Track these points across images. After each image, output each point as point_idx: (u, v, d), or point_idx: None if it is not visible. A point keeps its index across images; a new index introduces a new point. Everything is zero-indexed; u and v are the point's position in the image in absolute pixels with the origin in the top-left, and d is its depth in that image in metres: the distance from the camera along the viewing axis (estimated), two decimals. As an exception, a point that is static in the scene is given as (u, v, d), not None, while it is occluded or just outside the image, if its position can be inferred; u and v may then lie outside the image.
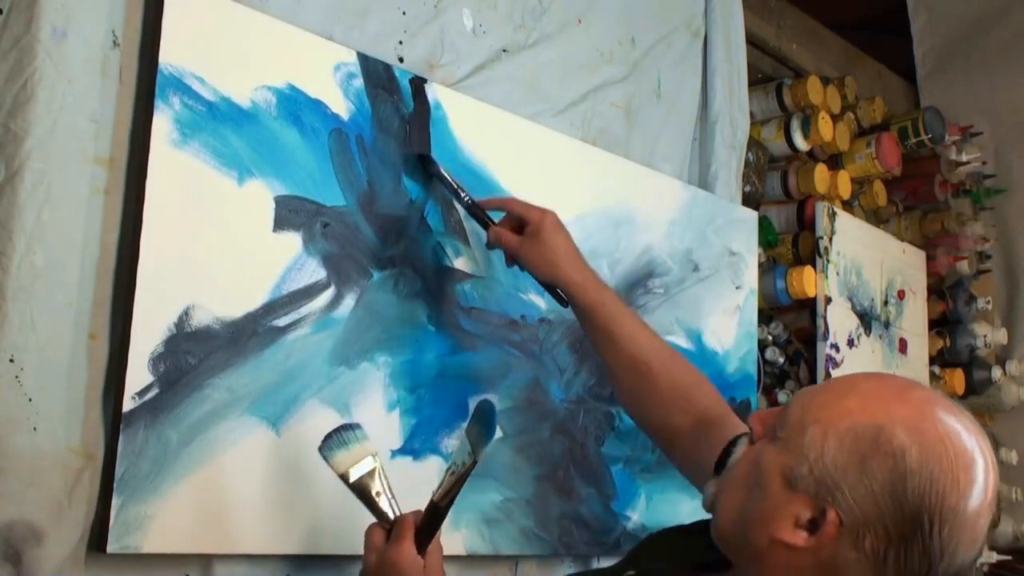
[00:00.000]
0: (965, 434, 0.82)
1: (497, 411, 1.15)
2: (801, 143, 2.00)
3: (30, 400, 0.94)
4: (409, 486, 1.21)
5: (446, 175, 1.25)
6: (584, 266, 1.20)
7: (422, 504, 1.22)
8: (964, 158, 2.42)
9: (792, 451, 0.84)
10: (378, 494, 1.00)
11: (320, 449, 1.00)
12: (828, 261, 1.97)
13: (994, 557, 2.23)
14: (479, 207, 1.25)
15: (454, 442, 1.27)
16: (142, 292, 1.00)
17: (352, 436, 1.01)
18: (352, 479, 0.99)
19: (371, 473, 1.00)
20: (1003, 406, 2.50)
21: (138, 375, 1.00)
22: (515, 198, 1.27)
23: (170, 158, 1.04)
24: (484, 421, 1.00)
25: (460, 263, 1.31)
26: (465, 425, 1.03)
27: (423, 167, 1.26)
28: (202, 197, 1.06)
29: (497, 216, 1.25)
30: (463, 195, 1.25)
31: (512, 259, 1.22)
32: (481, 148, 1.35)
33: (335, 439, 1.00)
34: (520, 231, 1.20)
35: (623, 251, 1.54)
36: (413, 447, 1.23)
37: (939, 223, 2.42)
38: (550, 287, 1.22)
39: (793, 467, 0.83)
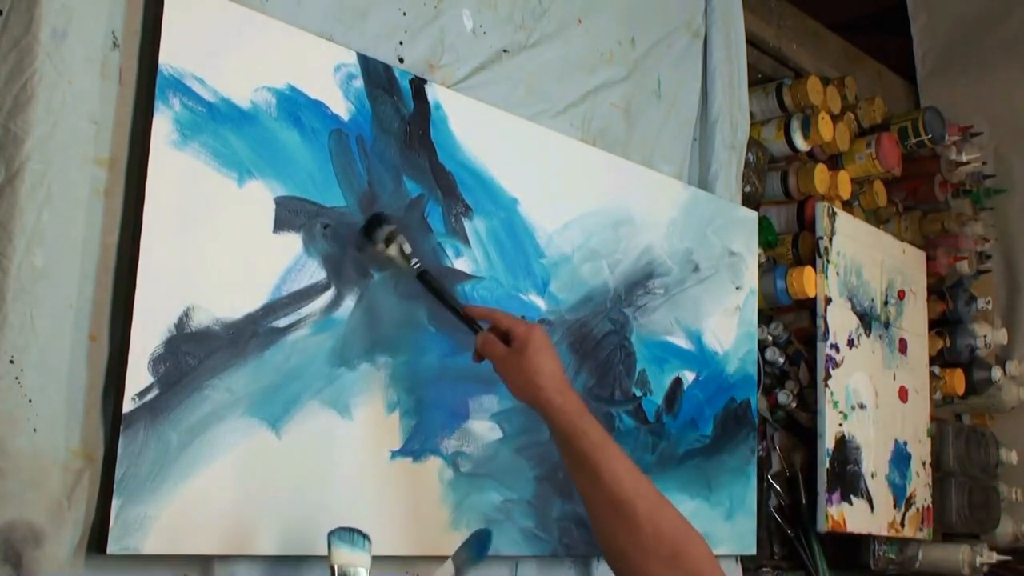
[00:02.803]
0: None
1: (491, 542, 1.16)
2: (801, 143, 1.99)
3: (30, 401, 0.95)
4: (409, 487, 1.22)
5: (440, 286, 1.19)
6: (568, 389, 1.11)
7: (418, 507, 1.23)
8: (964, 158, 2.42)
9: None
10: None
11: (330, 533, 1.00)
12: (828, 261, 1.97)
13: (994, 557, 2.23)
14: (468, 314, 1.18)
15: (454, 442, 1.27)
16: (142, 293, 1.00)
17: (361, 542, 1.01)
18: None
19: None
20: (1003, 406, 2.50)
21: (138, 376, 1.00)
22: (500, 310, 1.20)
23: (170, 159, 1.04)
24: (475, 549, 1.05)
25: (460, 263, 1.31)
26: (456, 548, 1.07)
27: (423, 282, 1.19)
28: (202, 198, 1.06)
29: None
30: (452, 302, 1.18)
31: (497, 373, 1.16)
32: (481, 148, 1.35)
33: (346, 535, 1.00)
34: (507, 343, 1.13)
35: (623, 251, 1.54)
36: (413, 448, 1.23)
37: (939, 223, 2.42)
38: (527, 405, 1.14)
39: None
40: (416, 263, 1.17)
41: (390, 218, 1.19)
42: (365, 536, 1.01)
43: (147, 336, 1.00)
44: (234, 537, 1.06)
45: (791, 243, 1.98)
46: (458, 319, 1.18)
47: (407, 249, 1.17)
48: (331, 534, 1.00)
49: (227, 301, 1.07)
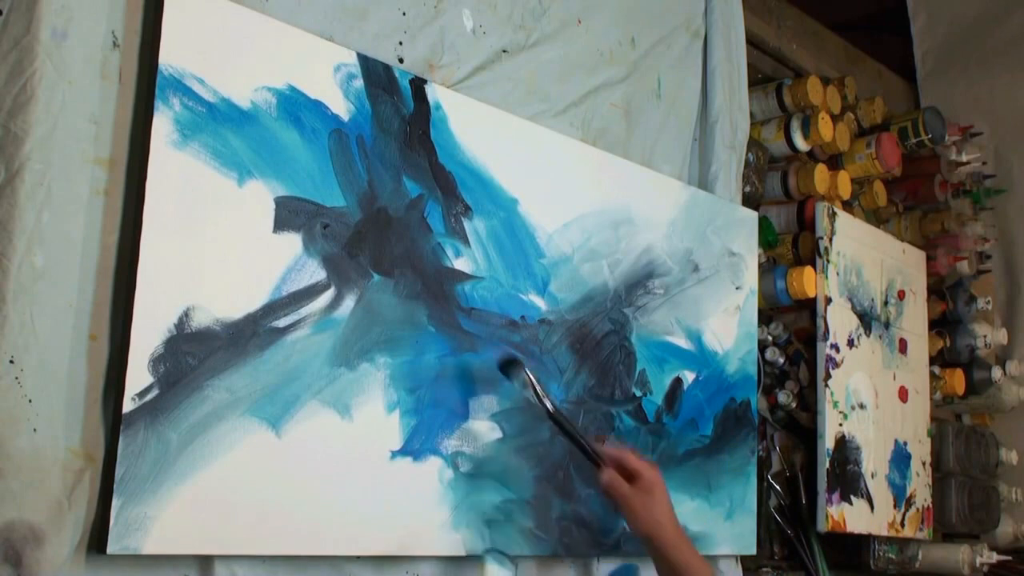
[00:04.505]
0: None
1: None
2: (801, 143, 1.99)
3: (30, 401, 0.95)
4: (409, 487, 1.22)
5: (570, 425, 1.32)
6: (680, 528, 1.29)
7: (418, 507, 1.23)
8: (964, 158, 2.42)
9: None
10: None
11: (485, 551, 1.26)
12: (828, 261, 1.97)
13: (994, 557, 2.23)
14: (591, 446, 1.30)
15: (454, 442, 1.27)
16: (142, 293, 1.00)
17: (508, 564, 1.22)
18: None
19: None
20: (1003, 406, 2.50)
21: (138, 376, 1.00)
22: (629, 451, 1.32)
23: (170, 159, 1.04)
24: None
25: (460, 263, 1.31)
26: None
27: (553, 420, 1.31)
28: (202, 198, 1.06)
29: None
30: (582, 439, 1.30)
31: (613, 503, 1.30)
32: (481, 148, 1.35)
33: (497, 555, 1.24)
34: (628, 480, 1.27)
35: (623, 251, 1.54)
36: (413, 448, 1.23)
37: (939, 223, 2.42)
38: (642, 538, 1.29)
39: None
40: (547, 403, 1.30)
41: (522, 361, 1.33)
42: (512, 560, 1.27)
43: (147, 336, 1.00)
44: (234, 537, 1.06)
45: (791, 243, 1.99)
46: (585, 455, 1.30)
47: (539, 390, 1.29)
48: (486, 552, 1.22)
49: (227, 301, 1.07)
